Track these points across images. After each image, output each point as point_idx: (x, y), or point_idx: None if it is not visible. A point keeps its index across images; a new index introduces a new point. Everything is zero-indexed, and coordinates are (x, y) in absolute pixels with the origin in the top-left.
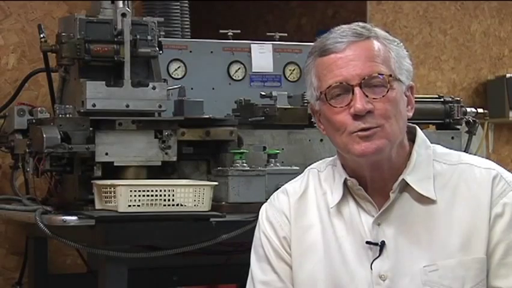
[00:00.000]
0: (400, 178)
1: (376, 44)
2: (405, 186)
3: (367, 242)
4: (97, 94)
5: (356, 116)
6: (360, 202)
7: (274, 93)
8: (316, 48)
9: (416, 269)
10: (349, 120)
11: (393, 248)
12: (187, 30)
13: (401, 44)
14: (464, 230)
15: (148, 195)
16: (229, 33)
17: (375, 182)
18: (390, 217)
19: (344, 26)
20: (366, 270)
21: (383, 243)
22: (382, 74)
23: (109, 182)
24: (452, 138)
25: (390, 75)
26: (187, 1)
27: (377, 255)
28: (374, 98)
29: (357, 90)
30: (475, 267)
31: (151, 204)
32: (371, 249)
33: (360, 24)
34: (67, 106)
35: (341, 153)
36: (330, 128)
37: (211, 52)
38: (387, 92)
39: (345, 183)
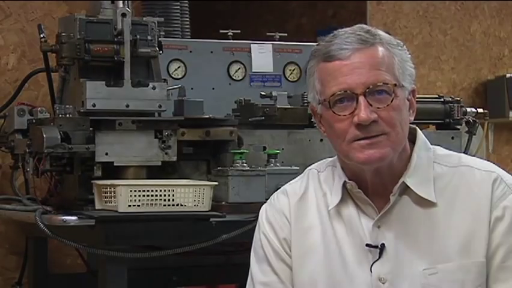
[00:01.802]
0: (400, 181)
1: (381, 51)
2: (406, 189)
3: (367, 245)
4: (97, 94)
5: (360, 126)
6: (360, 205)
7: (274, 93)
8: (319, 52)
9: (416, 272)
10: (352, 129)
11: (393, 251)
12: (187, 30)
13: (404, 46)
14: (464, 233)
15: (148, 195)
16: (229, 33)
17: (376, 185)
18: (390, 220)
19: (347, 29)
20: (365, 272)
21: (382, 245)
22: (387, 83)
23: (109, 182)
24: (452, 138)
25: (395, 85)
26: (187, 1)
27: (377, 257)
28: (378, 107)
29: (361, 99)
30: (475, 270)
31: (151, 204)
32: (371, 252)
33: (364, 28)
34: (67, 106)
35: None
36: (331, 134)
37: (211, 52)
38: (392, 101)
39: (344, 185)
